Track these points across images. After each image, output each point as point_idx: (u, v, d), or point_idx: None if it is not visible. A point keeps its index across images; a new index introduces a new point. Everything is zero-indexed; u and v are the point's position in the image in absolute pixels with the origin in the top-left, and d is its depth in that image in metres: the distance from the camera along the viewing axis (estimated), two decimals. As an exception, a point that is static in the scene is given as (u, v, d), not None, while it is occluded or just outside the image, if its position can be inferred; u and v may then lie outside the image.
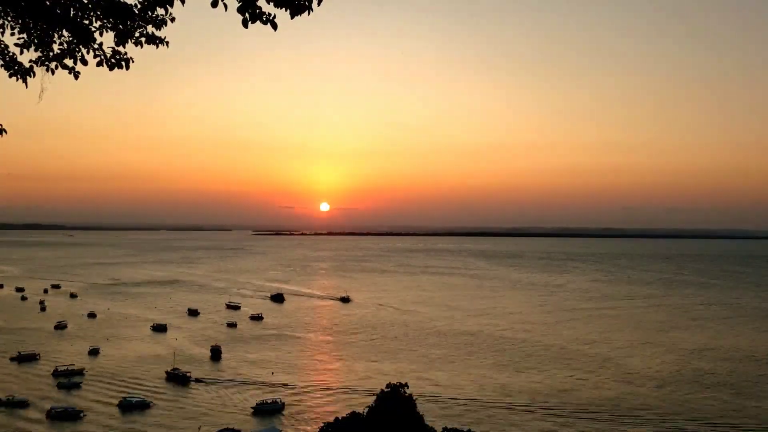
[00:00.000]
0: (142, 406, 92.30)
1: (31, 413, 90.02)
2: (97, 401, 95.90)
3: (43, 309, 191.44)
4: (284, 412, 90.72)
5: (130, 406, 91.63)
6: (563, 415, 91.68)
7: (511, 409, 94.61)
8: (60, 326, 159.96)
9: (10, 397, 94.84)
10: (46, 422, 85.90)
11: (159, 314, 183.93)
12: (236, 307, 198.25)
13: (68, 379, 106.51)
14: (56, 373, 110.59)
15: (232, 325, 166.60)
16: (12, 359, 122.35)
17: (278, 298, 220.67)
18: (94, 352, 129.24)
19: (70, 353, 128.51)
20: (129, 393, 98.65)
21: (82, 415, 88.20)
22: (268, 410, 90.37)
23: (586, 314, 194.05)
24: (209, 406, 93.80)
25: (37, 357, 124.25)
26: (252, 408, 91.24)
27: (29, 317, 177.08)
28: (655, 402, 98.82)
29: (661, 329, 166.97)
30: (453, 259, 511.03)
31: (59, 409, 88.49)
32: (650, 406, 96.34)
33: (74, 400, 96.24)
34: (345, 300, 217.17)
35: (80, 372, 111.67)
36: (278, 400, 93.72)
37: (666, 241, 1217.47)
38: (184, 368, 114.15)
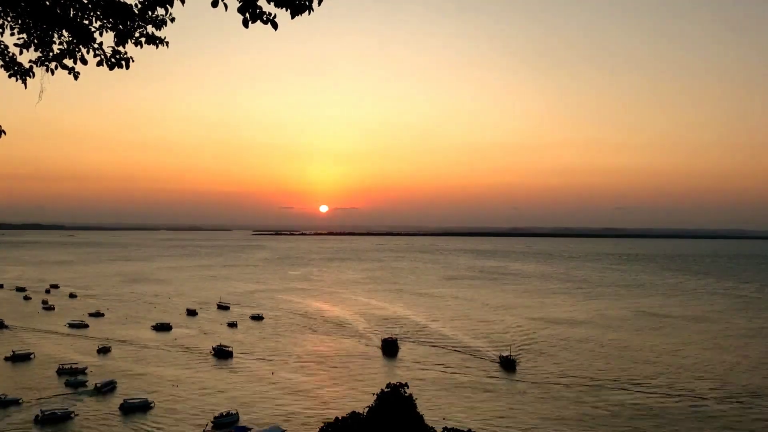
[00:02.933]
0: (144, 407, 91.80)
1: (23, 414, 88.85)
2: (100, 402, 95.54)
3: (45, 308, 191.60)
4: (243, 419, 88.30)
5: (133, 408, 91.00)
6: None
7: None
8: (81, 325, 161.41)
9: (2, 396, 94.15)
10: (35, 426, 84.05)
11: (159, 313, 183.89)
12: (226, 307, 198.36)
13: (75, 377, 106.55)
14: (61, 371, 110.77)
15: (232, 324, 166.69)
16: (6, 358, 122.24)
17: (391, 349, 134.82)
18: (103, 351, 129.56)
19: (74, 353, 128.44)
20: (133, 394, 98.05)
21: (73, 416, 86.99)
22: (135, 407, 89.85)
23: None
24: (213, 407, 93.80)
25: (31, 357, 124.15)
26: (211, 422, 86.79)
27: (32, 317, 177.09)
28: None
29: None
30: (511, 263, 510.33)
31: (48, 412, 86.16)
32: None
33: (77, 399, 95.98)
34: (508, 363, 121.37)
35: (83, 371, 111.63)
36: (233, 412, 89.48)
37: (659, 241, 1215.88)
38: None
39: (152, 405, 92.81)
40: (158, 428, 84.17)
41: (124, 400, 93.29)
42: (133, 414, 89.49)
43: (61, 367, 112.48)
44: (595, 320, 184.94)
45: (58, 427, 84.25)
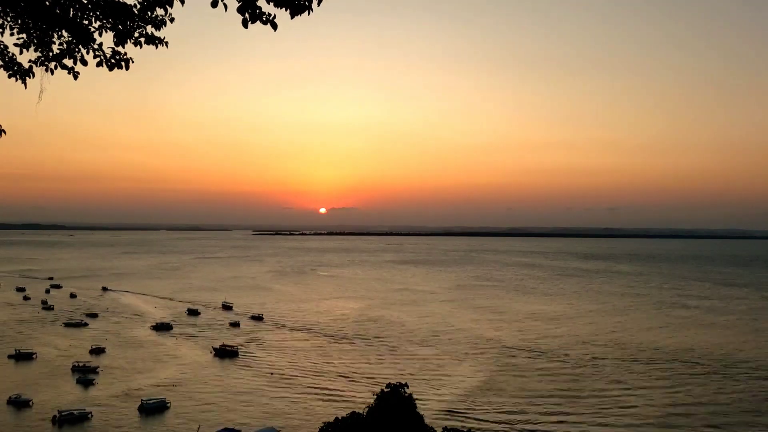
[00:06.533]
0: (162, 408, 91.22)
1: (39, 414, 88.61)
2: (116, 402, 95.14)
3: (45, 308, 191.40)
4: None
5: (151, 408, 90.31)
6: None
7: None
8: (80, 324, 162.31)
9: (16, 396, 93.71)
10: (53, 426, 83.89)
11: (160, 311, 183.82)
12: (229, 307, 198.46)
13: (84, 375, 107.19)
14: (74, 368, 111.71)
15: (235, 324, 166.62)
16: (10, 357, 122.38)
17: None
18: (97, 351, 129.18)
19: (74, 353, 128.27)
20: (146, 395, 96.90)
21: (90, 416, 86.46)
22: (153, 408, 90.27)
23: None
24: (215, 407, 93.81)
25: (34, 356, 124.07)
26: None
27: (32, 317, 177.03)
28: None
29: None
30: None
31: (65, 413, 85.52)
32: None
33: (90, 398, 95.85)
34: None
35: (95, 369, 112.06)
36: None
37: (654, 241, 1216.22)
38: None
39: (169, 405, 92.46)
40: (175, 429, 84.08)
41: (141, 400, 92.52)
42: (151, 415, 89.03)
43: (75, 364, 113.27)
44: None
45: (75, 427, 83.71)
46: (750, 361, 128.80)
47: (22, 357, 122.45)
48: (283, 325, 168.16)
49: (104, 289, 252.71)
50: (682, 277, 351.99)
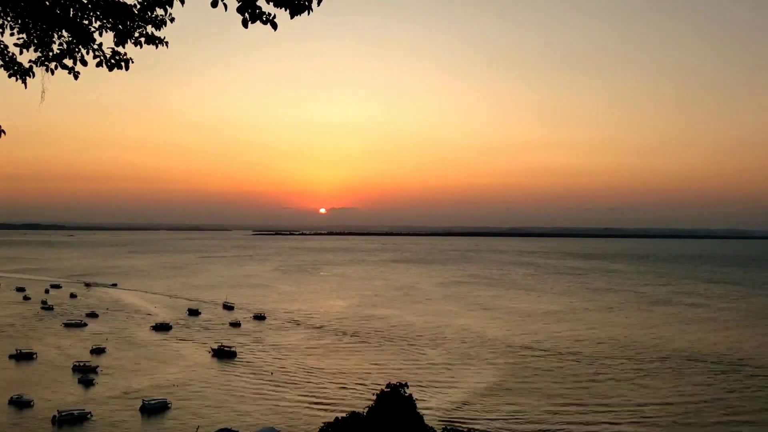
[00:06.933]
0: (163, 408, 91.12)
1: (39, 414, 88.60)
2: (117, 402, 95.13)
3: (45, 308, 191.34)
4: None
5: (152, 409, 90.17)
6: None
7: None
8: (79, 324, 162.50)
9: (17, 396, 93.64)
10: (53, 426, 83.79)
11: (160, 310, 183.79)
12: (230, 307, 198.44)
13: (85, 375, 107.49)
14: (75, 368, 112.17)
15: (235, 324, 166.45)
16: (11, 356, 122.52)
17: None
18: (97, 351, 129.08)
19: (74, 353, 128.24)
20: (146, 395, 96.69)
21: (89, 416, 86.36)
22: (154, 408, 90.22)
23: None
24: (215, 407, 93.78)
25: (34, 356, 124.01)
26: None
27: (31, 317, 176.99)
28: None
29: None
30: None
31: (65, 413, 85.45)
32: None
33: (91, 398, 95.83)
34: None
35: (95, 369, 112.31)
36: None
37: (653, 241, 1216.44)
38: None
39: (170, 405, 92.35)
40: (174, 429, 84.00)
41: (143, 400, 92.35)
42: (152, 415, 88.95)
43: (75, 364, 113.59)
44: None
45: (75, 427, 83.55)
46: (753, 359, 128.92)
47: (23, 357, 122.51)
48: (284, 325, 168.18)
49: (87, 285, 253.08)
50: (683, 276, 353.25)
